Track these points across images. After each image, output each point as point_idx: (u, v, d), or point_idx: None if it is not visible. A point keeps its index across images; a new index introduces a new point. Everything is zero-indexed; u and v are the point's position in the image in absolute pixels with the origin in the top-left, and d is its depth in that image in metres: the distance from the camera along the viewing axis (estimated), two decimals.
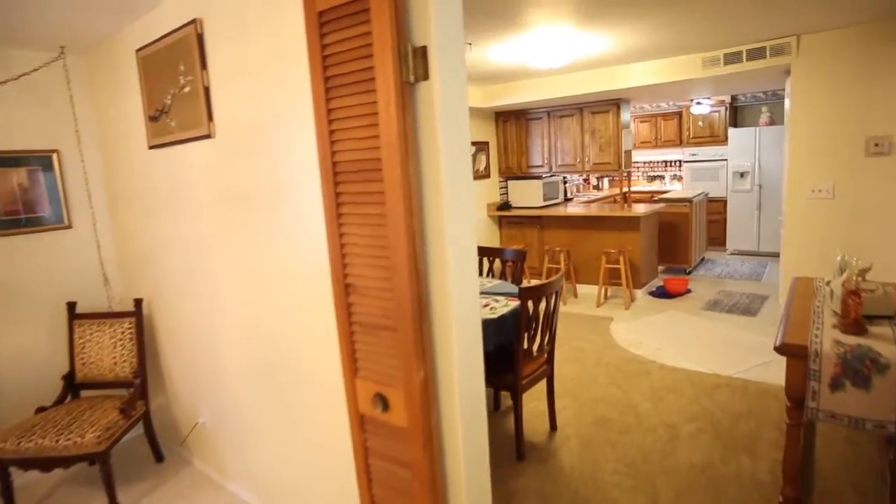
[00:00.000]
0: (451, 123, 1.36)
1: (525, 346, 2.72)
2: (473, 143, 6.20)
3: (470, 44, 3.44)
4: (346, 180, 1.48)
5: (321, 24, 1.43)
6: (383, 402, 1.53)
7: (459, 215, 1.41)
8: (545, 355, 2.94)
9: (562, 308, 5.48)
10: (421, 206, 1.39)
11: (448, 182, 1.36)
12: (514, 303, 2.91)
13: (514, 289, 3.24)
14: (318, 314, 1.78)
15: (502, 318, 2.73)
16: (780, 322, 2.25)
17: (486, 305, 2.91)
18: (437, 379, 1.50)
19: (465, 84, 1.40)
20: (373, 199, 1.41)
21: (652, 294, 5.73)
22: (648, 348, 4.23)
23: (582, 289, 6.08)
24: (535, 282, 5.96)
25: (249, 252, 2.12)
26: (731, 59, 4.02)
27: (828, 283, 2.53)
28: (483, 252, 3.85)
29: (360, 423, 1.64)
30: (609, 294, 5.82)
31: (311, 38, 1.46)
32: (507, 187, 6.78)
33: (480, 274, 3.86)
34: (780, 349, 1.99)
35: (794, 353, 1.97)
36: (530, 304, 2.65)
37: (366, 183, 1.42)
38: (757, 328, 4.49)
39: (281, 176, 1.87)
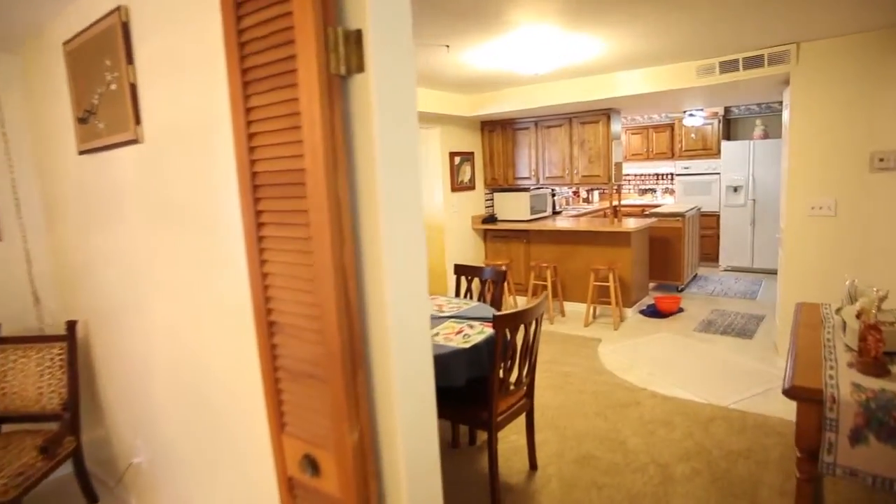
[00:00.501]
0: (393, 127, 1.08)
1: (501, 378, 2.44)
2: (458, 154, 5.95)
3: (447, 46, 3.19)
4: (267, 195, 1.20)
5: (237, 3, 1.16)
6: (312, 465, 1.25)
7: (405, 241, 1.14)
8: (524, 388, 2.66)
9: (548, 328, 5.21)
10: (355, 230, 1.11)
11: (388, 200, 1.09)
12: (491, 329, 2.64)
13: (491, 312, 2.96)
14: (243, 354, 1.49)
15: (476, 347, 2.45)
16: (788, 358, 1.99)
17: (459, 332, 2.63)
18: (378, 441, 1.22)
19: (412, 78, 1.13)
20: (297, 218, 1.13)
21: (643, 313, 5.47)
22: (639, 374, 3.96)
23: (570, 307, 5.81)
24: (520, 301, 5.72)
25: (178, 276, 1.82)
26: (727, 67, 3.79)
27: (837, 310, 2.28)
28: (460, 271, 3.58)
29: (289, 488, 1.35)
30: (598, 313, 5.56)
31: (227, 18, 1.19)
32: (493, 199, 6.53)
33: (458, 294, 3.58)
34: (789, 393, 1.73)
35: (807, 397, 1.70)
36: (508, 332, 2.37)
37: (289, 200, 1.14)
38: (753, 352, 4.24)
39: (208, 189, 1.59)
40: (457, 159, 5.95)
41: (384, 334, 1.13)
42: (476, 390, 2.54)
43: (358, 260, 1.12)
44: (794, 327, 2.31)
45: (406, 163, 1.14)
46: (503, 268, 3.32)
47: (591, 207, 8.00)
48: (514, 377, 2.57)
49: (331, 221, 1.05)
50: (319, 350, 1.15)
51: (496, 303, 3.31)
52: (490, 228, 6.28)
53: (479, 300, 3.40)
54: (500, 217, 6.42)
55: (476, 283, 3.52)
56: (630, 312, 5.46)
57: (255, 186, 1.21)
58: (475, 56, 3.57)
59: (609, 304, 5.30)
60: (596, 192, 8.95)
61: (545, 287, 5.47)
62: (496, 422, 2.43)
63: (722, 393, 3.54)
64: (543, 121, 5.88)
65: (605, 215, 7.89)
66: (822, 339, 2.10)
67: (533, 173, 6.08)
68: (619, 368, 4.09)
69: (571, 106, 5.14)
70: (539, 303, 2.43)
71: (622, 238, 5.36)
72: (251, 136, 1.20)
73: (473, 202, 6.31)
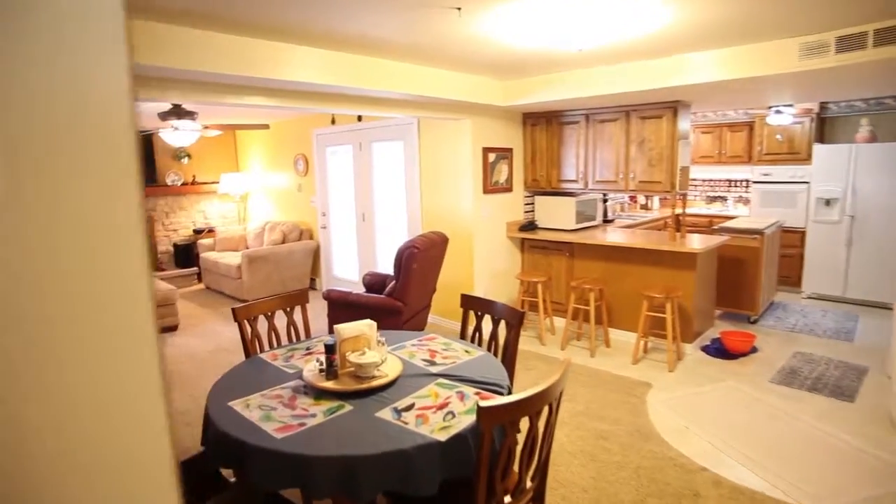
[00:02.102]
0: None
1: (491, 487, 1.66)
2: (493, 150, 5.15)
3: (459, 9, 2.40)
4: None
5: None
6: None
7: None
8: (530, 495, 1.86)
9: (587, 362, 4.35)
10: None
11: None
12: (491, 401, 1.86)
13: (497, 373, 2.18)
14: None
15: (459, 439, 1.68)
16: None
17: (441, 407, 1.87)
18: None
19: None
20: None
21: (706, 351, 4.51)
22: (698, 443, 3.06)
23: (616, 335, 4.92)
24: (557, 325, 4.73)
25: None
26: (849, 44, 2.78)
27: None
28: (468, 303, 2.81)
29: None
30: (650, 346, 4.64)
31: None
32: (533, 204, 5.69)
33: (463, 334, 2.81)
34: None
35: None
36: (503, 427, 1.60)
37: None
38: (857, 422, 3.24)
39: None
40: (491, 156, 5.14)
41: None
42: (454, 498, 1.78)
43: None
44: None
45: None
46: (522, 308, 2.50)
47: (649, 216, 6.99)
48: (512, 486, 1.78)
49: None
50: None
51: (510, 354, 2.51)
52: (528, 237, 5.45)
53: (489, 345, 2.63)
54: (540, 224, 5.58)
55: (488, 321, 2.73)
56: (690, 349, 4.51)
57: None
58: (496, 25, 2.76)
59: (664, 337, 4.38)
60: (656, 198, 7.90)
61: (587, 311, 4.61)
62: None
63: (817, 487, 2.61)
64: (596, 114, 4.97)
65: (665, 225, 6.88)
66: None
67: (581, 176, 5.19)
68: (673, 431, 3.20)
69: (630, 96, 4.23)
70: (553, 384, 1.63)
71: (686, 260, 4.41)
72: None
73: (510, 206, 5.49)
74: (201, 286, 7.55)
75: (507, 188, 5.41)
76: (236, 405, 1.94)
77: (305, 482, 1.59)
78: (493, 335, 2.64)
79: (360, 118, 6.01)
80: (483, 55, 3.53)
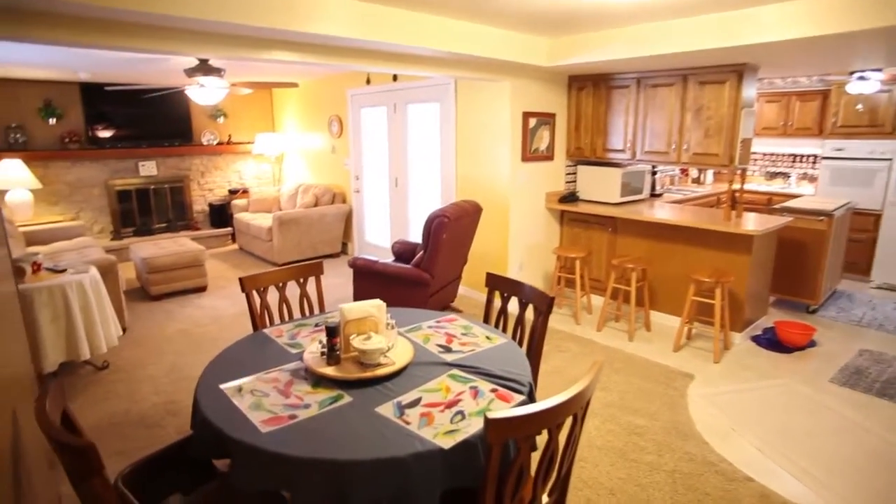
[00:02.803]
0: None
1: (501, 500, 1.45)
2: (534, 115, 4.78)
3: None
4: None
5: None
6: None
7: None
8: None
9: (624, 346, 4.06)
10: None
11: None
12: (509, 401, 1.64)
13: (519, 366, 1.94)
14: None
15: (466, 446, 1.46)
16: None
17: (451, 405, 1.65)
18: None
19: None
20: None
21: (757, 341, 4.13)
22: (743, 447, 2.76)
23: (658, 319, 4.59)
24: (595, 303, 4.35)
25: None
26: None
27: None
28: (494, 283, 2.55)
29: None
30: (694, 332, 4.30)
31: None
32: (575, 174, 5.32)
33: (486, 317, 2.57)
34: None
35: None
36: (513, 443, 1.36)
37: None
38: None
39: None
40: (532, 122, 4.78)
41: None
42: None
43: None
44: None
45: None
46: (551, 294, 2.24)
47: (701, 191, 6.48)
48: (527, 491, 1.56)
49: None
50: None
51: (536, 345, 2.26)
52: (568, 210, 5.10)
53: (515, 331, 2.38)
54: (582, 196, 5.22)
55: (515, 305, 2.47)
56: (738, 338, 4.14)
57: None
58: None
59: (711, 324, 4.03)
60: (710, 172, 7.34)
61: (628, 291, 4.28)
62: None
63: None
64: (648, 77, 4.51)
65: (718, 202, 6.38)
66: None
67: (629, 145, 4.77)
68: (715, 431, 2.90)
69: (689, 57, 3.77)
70: (580, 393, 1.37)
71: (741, 242, 4.00)
72: None
73: (550, 176, 5.14)
74: (235, 247, 7.56)
75: (548, 156, 5.05)
76: (227, 388, 1.77)
77: (288, 485, 1.41)
78: (520, 320, 2.38)
79: (395, 78, 5.71)
80: (527, 8, 3.16)
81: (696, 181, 7.43)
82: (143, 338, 4.26)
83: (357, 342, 1.86)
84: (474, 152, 5.02)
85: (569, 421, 1.44)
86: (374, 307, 1.97)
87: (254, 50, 3.09)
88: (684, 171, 7.30)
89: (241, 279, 2.47)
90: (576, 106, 5.06)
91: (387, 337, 1.95)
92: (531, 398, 1.77)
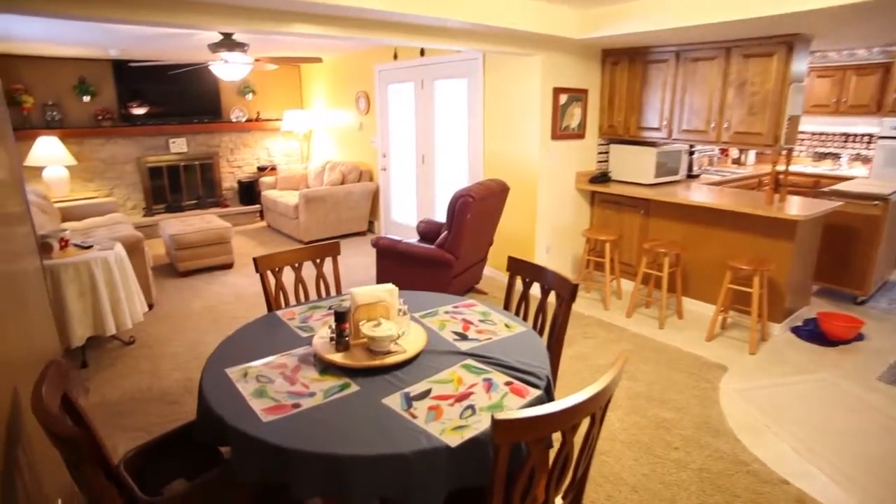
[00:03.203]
0: None
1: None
2: (565, 91, 4.57)
3: None
4: None
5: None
6: None
7: None
8: None
9: (654, 334, 3.90)
10: None
11: None
12: (524, 396, 1.55)
13: (538, 357, 1.83)
14: None
15: (475, 444, 1.38)
16: None
17: (462, 398, 1.56)
18: None
19: None
20: None
21: (797, 333, 3.90)
22: (778, 447, 2.60)
23: (691, 306, 4.39)
24: (625, 287, 4.16)
25: None
26: None
27: None
28: (516, 267, 2.43)
29: None
30: (729, 322, 4.09)
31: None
32: (608, 153, 5.10)
33: (507, 304, 2.46)
34: None
35: None
36: (524, 445, 1.27)
37: None
38: None
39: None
40: (563, 98, 4.57)
41: None
42: None
43: None
44: None
45: None
46: (574, 281, 2.11)
47: (741, 173, 6.16)
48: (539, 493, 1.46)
49: None
50: None
51: (557, 334, 2.14)
52: (599, 190, 4.90)
53: (536, 319, 2.27)
54: (614, 177, 5.01)
55: (537, 291, 2.36)
56: (777, 329, 3.92)
57: None
58: None
59: (747, 313, 3.83)
60: (752, 152, 6.97)
61: (659, 277, 4.10)
62: None
63: None
64: (688, 51, 4.24)
65: (760, 184, 6.05)
66: None
67: (665, 124, 4.52)
68: (748, 429, 2.75)
69: (733, 28, 3.51)
70: (598, 393, 1.26)
71: (784, 228, 3.75)
72: None
73: (581, 154, 4.94)
74: (263, 224, 7.60)
75: (579, 134, 4.84)
76: (233, 373, 1.72)
77: (286, 477, 1.35)
78: (541, 307, 2.26)
79: (422, 52, 5.55)
80: None
81: (737, 162, 7.07)
82: (168, 313, 4.32)
83: (366, 328, 1.78)
84: (502, 130, 4.85)
85: (587, 420, 1.33)
86: (386, 292, 1.89)
87: (276, 23, 3.01)
88: (724, 152, 6.95)
89: (255, 259, 2.42)
90: (609, 81, 4.82)
91: (398, 323, 1.86)
92: (548, 392, 1.67)
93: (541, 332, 2.21)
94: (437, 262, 4.08)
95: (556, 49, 4.37)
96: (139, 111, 6.80)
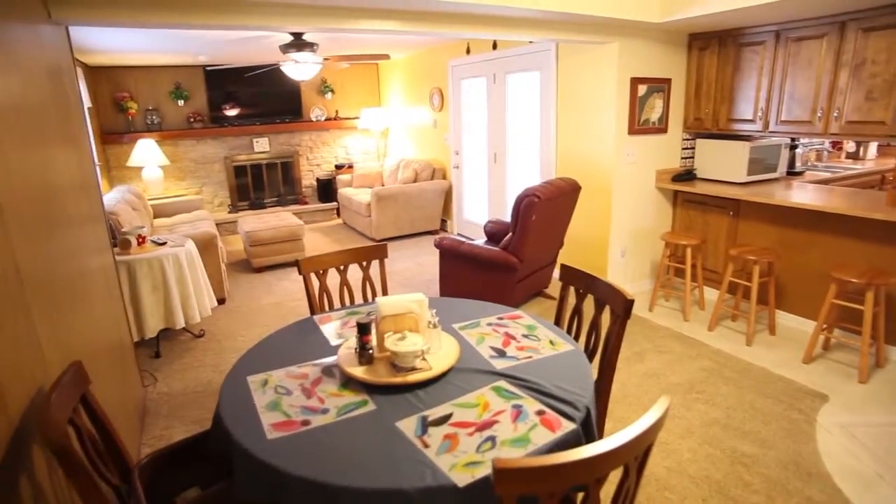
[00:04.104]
0: None
1: None
2: (644, 81, 4.20)
3: None
4: None
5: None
6: None
7: None
8: None
9: (739, 350, 3.48)
10: None
11: None
12: (554, 430, 1.36)
13: (579, 383, 1.62)
14: None
15: (484, 486, 1.21)
16: None
17: (484, 427, 1.40)
18: None
19: None
20: None
21: None
22: (891, 502, 2.17)
23: (786, 321, 3.88)
24: (708, 297, 3.72)
25: None
26: None
27: None
28: (569, 276, 2.20)
29: None
30: (832, 342, 3.56)
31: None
32: (693, 149, 4.64)
33: (558, 318, 2.23)
34: None
35: None
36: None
37: None
38: None
39: None
40: (642, 89, 4.21)
41: None
42: None
43: None
44: None
45: None
46: (630, 297, 1.85)
47: (858, 168, 5.40)
48: None
49: None
50: None
51: (609, 356, 1.90)
52: (683, 190, 4.47)
53: (589, 338, 2.03)
54: (700, 174, 4.55)
55: (591, 302, 2.12)
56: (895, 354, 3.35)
57: None
58: None
59: (858, 333, 3.30)
60: (873, 145, 6.10)
61: (748, 287, 3.65)
62: None
63: None
64: (792, 29, 3.72)
65: (882, 182, 5.27)
66: None
67: (760, 114, 4.02)
68: (852, 474, 2.33)
69: None
70: (634, 440, 1.04)
71: None
72: None
73: (662, 150, 4.53)
74: (339, 221, 7.77)
75: (661, 128, 4.44)
76: (253, 381, 1.66)
77: (281, 501, 1.25)
78: (594, 324, 2.03)
79: (494, 45, 5.36)
80: None
81: (853, 157, 6.22)
82: (239, 308, 4.47)
83: (390, 342, 1.66)
84: (576, 125, 4.56)
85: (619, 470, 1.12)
86: (415, 302, 1.75)
87: (346, 20, 3.01)
88: (837, 145, 6.14)
89: (297, 261, 2.38)
90: (696, 69, 4.36)
91: (426, 337, 1.72)
92: (586, 427, 1.45)
93: (592, 353, 1.98)
94: (501, 264, 3.90)
95: (635, 35, 4.02)
96: (231, 112, 7.18)
